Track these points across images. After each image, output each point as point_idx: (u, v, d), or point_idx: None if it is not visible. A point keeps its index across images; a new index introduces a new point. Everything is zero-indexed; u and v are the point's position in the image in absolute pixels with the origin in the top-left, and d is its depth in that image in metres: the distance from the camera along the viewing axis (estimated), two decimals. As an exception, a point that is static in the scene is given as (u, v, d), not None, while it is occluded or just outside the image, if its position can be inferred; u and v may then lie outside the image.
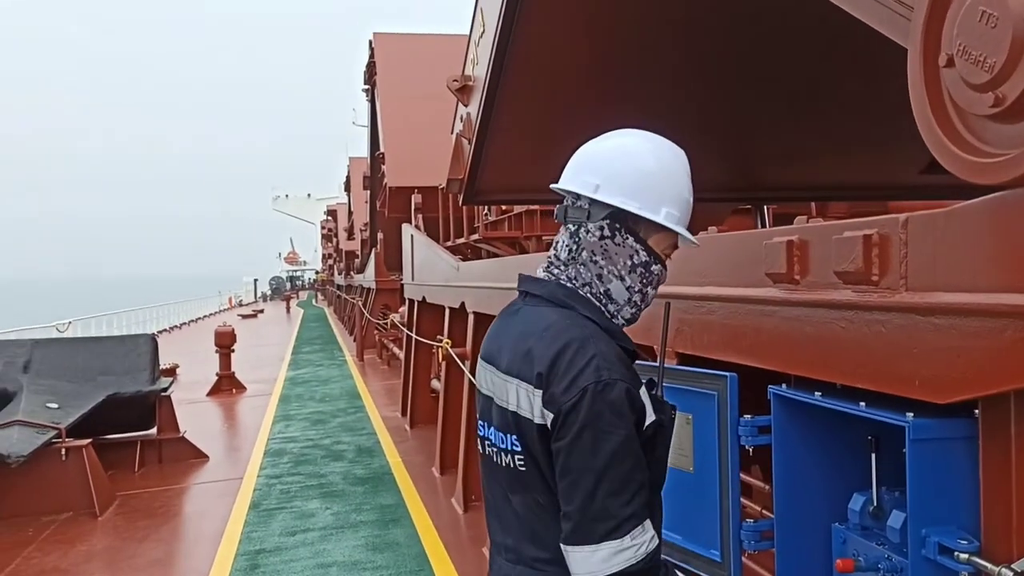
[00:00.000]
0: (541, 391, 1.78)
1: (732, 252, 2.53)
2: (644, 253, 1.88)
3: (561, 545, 1.72)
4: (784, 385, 2.30)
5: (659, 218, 1.85)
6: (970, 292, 1.57)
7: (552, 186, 1.96)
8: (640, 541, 1.68)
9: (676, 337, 2.88)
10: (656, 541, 1.74)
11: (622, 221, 1.87)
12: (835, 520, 2.22)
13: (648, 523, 1.72)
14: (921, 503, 1.78)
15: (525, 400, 1.83)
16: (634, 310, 1.94)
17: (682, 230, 1.88)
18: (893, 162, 5.95)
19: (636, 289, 1.90)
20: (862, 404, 1.97)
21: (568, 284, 1.94)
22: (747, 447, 2.40)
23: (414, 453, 9.29)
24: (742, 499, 2.51)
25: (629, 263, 1.88)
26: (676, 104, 5.28)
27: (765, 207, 7.52)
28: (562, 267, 1.95)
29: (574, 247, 1.91)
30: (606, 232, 1.87)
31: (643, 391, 1.85)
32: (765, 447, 2.35)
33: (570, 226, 1.92)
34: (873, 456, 2.08)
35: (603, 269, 1.90)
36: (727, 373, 2.45)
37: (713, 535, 2.51)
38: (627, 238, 1.88)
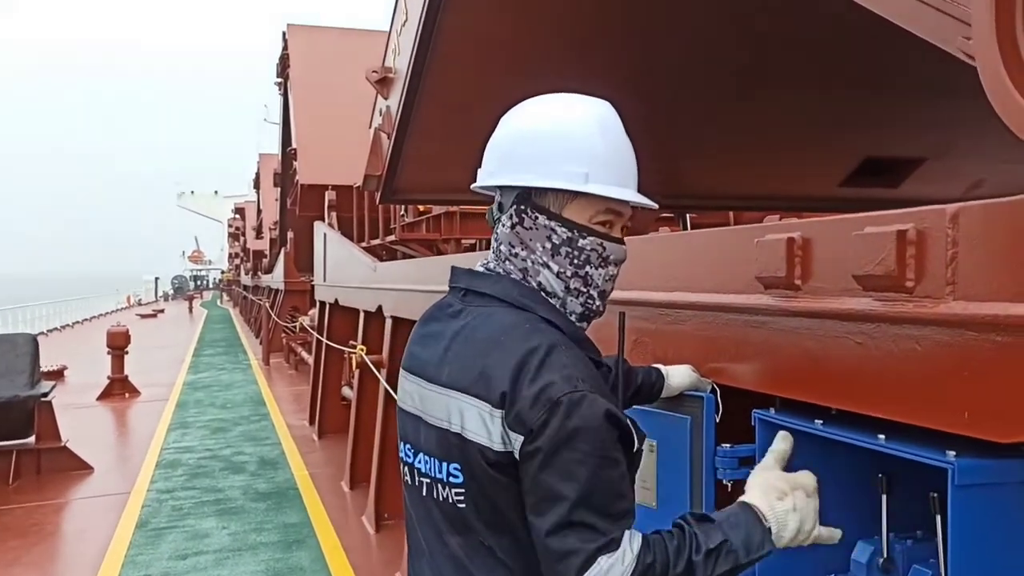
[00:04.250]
0: (502, 411, 1.44)
1: (710, 251, 2.17)
2: (563, 229, 1.57)
3: None
4: (772, 409, 1.95)
5: (558, 182, 1.54)
6: (1050, 303, 1.24)
7: (472, 187, 1.69)
8: (619, 553, 1.38)
9: (634, 350, 2.51)
10: (638, 538, 1.41)
11: (526, 200, 1.60)
12: (833, 572, 1.87)
13: (626, 538, 1.40)
14: (965, 566, 1.44)
15: (476, 422, 1.48)
16: (583, 300, 1.61)
17: (589, 186, 1.54)
18: (812, 174, 5.90)
19: (569, 274, 1.58)
20: (882, 437, 1.62)
21: (523, 281, 1.61)
22: (725, 481, 2.04)
23: (322, 465, 8.74)
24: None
25: (549, 245, 1.59)
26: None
27: (687, 215, 7.42)
28: (499, 264, 1.65)
29: (495, 244, 1.64)
30: (515, 219, 1.61)
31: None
32: (743, 481, 2.00)
33: (497, 226, 1.64)
34: (884, 498, 1.74)
35: (526, 262, 1.61)
36: (703, 394, 2.09)
37: (681, 584, 2.13)
38: (537, 217, 1.58)
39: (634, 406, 2.11)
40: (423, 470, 1.60)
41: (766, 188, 6.33)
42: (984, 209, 1.37)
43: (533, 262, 1.60)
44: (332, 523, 6.70)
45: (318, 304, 10.68)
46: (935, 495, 1.55)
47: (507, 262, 1.62)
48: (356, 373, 7.32)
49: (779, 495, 1.57)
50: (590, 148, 1.56)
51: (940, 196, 4.18)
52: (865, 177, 5.97)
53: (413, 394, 1.66)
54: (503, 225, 1.62)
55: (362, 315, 7.51)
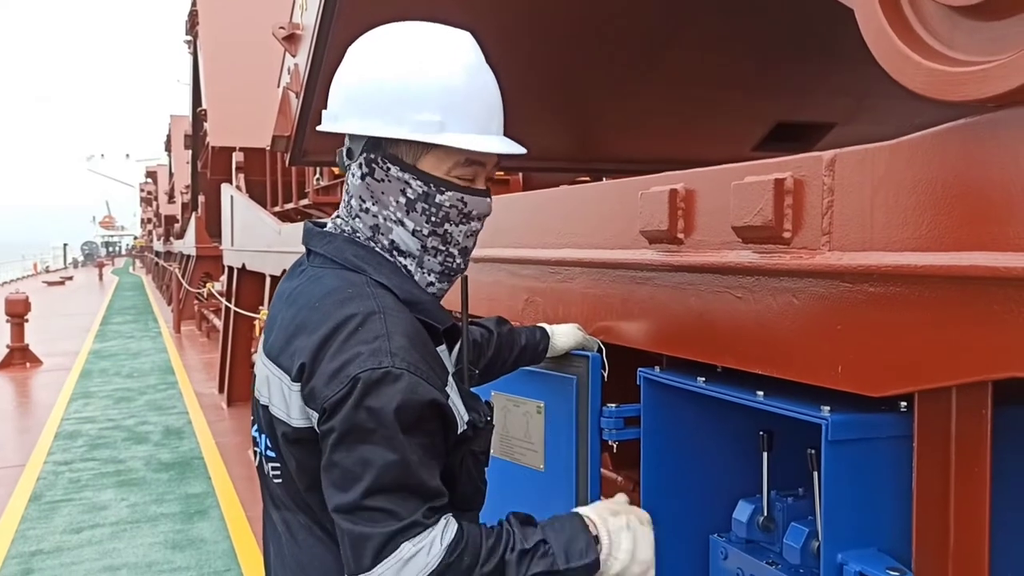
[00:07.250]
0: (299, 385, 1.34)
1: (597, 206, 2.10)
2: (418, 183, 1.42)
3: None
4: (657, 368, 1.90)
5: (409, 132, 1.38)
6: (923, 251, 1.19)
7: (318, 129, 1.51)
8: (427, 541, 1.27)
9: (525, 309, 2.43)
10: (452, 529, 1.31)
11: (378, 150, 1.44)
12: (715, 530, 1.84)
13: (439, 527, 1.30)
14: (838, 521, 1.40)
15: (277, 395, 1.41)
16: (441, 259, 1.48)
17: (444, 136, 1.38)
18: (726, 139, 5.92)
19: (426, 232, 1.45)
20: (760, 394, 1.58)
21: (360, 240, 1.48)
22: (610, 442, 1.99)
23: (230, 434, 8.49)
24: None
25: (403, 200, 1.44)
26: (517, 66, 4.89)
27: (604, 178, 7.40)
28: (348, 221, 1.52)
29: (347, 198, 1.49)
30: (364, 168, 1.46)
31: (452, 385, 1.43)
32: (632, 442, 1.95)
33: (347, 175, 1.49)
34: (765, 456, 1.70)
35: (377, 217, 1.46)
36: (588, 353, 2.03)
37: (567, 547, 2.08)
38: (389, 168, 1.43)
39: (520, 367, 2.04)
40: (257, 441, 1.54)
41: (681, 152, 6.30)
42: (861, 154, 1.32)
43: (385, 218, 1.45)
44: (237, 493, 6.52)
45: (226, 269, 10.36)
46: (812, 451, 1.52)
47: (356, 219, 1.48)
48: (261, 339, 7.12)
49: (612, 512, 1.51)
50: (447, 92, 1.39)
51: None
52: (777, 142, 6.03)
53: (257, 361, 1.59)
54: (352, 175, 1.48)
55: (268, 279, 7.29)
